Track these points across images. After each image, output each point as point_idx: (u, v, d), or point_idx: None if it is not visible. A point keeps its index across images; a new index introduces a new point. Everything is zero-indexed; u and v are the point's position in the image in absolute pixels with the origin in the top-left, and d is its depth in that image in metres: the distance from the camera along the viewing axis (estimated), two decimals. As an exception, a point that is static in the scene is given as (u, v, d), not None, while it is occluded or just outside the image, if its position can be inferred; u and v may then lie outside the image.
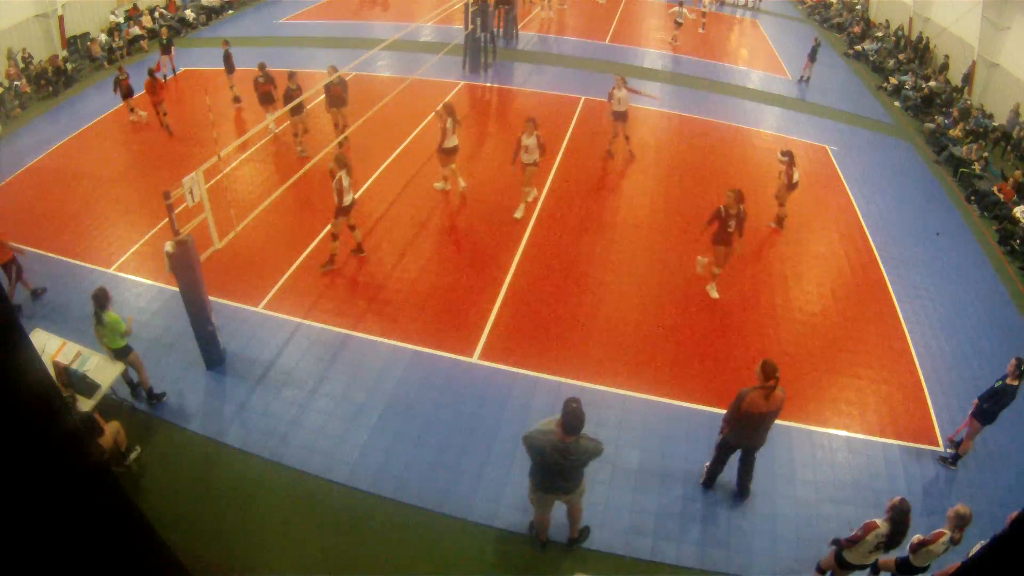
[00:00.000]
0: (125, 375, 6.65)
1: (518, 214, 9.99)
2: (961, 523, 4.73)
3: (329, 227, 8.88)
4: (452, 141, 9.81)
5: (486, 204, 10.39)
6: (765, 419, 5.41)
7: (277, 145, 12.04)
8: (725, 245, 8.16)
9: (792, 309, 8.61)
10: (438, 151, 10.05)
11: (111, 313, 6.30)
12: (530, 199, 10.30)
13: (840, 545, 4.88)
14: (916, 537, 4.91)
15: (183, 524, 5.51)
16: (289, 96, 10.34)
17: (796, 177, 9.89)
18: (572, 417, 4.40)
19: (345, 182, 8.12)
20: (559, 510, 5.30)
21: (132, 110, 12.71)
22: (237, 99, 13.54)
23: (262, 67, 11.54)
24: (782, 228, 10.25)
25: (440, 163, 10.37)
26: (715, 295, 8.57)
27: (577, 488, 4.95)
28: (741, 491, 6.05)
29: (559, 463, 4.58)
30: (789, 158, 9.87)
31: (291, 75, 10.88)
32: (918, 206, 11.81)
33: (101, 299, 6.26)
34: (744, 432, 5.56)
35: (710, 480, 6.09)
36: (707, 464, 6.08)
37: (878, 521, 4.62)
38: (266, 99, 11.73)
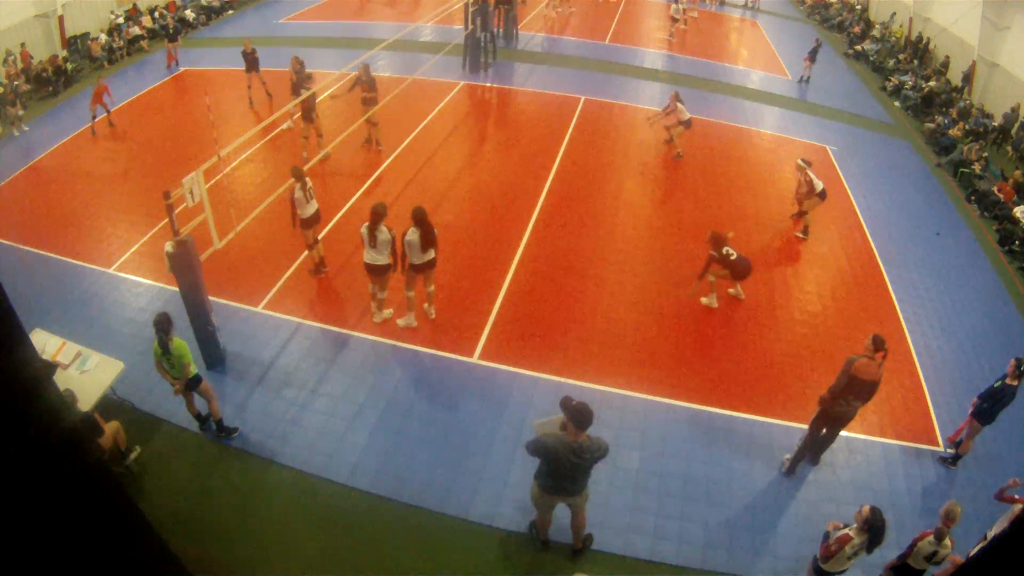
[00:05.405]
0: (192, 407, 6.25)
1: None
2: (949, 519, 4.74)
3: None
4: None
5: (486, 204, 10.39)
6: (869, 387, 5.65)
7: (278, 144, 12.04)
8: (745, 277, 8.15)
9: (792, 309, 8.61)
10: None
11: (179, 339, 5.78)
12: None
13: (816, 559, 4.83)
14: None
15: (183, 524, 5.52)
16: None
17: (820, 186, 9.70)
18: (582, 412, 4.35)
19: (298, 193, 7.71)
20: (560, 511, 5.28)
21: (107, 118, 12.64)
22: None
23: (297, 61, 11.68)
24: (806, 236, 10.09)
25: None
26: (715, 304, 8.43)
27: (584, 490, 4.92)
28: (814, 459, 6.41)
29: (573, 463, 4.51)
30: (806, 166, 9.78)
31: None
32: (918, 206, 11.81)
33: (165, 325, 5.64)
34: (846, 401, 5.74)
35: (794, 466, 6.29)
36: (792, 454, 6.28)
37: (851, 532, 4.56)
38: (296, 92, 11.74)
